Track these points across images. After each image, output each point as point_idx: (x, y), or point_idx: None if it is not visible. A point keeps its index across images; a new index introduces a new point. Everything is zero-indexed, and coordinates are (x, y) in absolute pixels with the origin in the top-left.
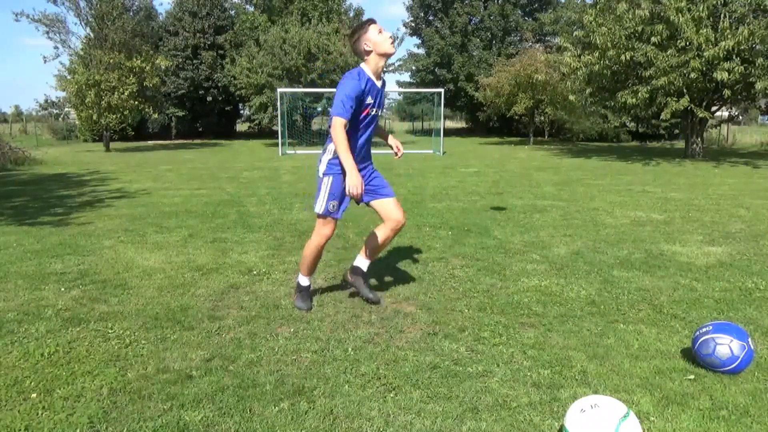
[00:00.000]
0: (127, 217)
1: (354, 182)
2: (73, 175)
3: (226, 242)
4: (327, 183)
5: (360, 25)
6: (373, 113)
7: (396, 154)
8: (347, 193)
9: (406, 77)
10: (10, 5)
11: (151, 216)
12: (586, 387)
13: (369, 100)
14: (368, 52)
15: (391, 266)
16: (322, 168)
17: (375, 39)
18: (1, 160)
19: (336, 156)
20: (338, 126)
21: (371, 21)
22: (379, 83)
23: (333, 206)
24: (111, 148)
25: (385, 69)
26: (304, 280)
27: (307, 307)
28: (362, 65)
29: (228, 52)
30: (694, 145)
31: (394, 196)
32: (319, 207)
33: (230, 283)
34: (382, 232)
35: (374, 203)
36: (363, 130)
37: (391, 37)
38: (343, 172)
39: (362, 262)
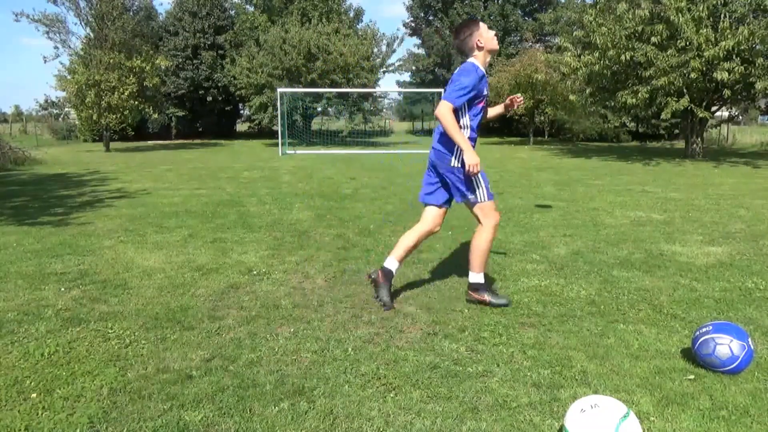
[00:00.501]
0: (127, 217)
1: (475, 160)
2: (73, 175)
3: (226, 242)
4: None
5: (470, 22)
6: (486, 104)
7: (515, 103)
8: (467, 171)
9: (406, 77)
10: (10, 5)
11: (151, 216)
12: (586, 387)
13: (485, 91)
14: (480, 48)
15: None
16: (458, 161)
17: (487, 36)
18: (1, 160)
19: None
20: (448, 110)
21: (478, 18)
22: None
23: (491, 188)
24: (111, 148)
25: (385, 69)
26: (480, 278)
27: (506, 300)
28: (473, 60)
29: (228, 52)
30: (694, 145)
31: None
32: (483, 195)
33: (230, 283)
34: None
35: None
36: (479, 119)
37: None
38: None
39: (392, 263)
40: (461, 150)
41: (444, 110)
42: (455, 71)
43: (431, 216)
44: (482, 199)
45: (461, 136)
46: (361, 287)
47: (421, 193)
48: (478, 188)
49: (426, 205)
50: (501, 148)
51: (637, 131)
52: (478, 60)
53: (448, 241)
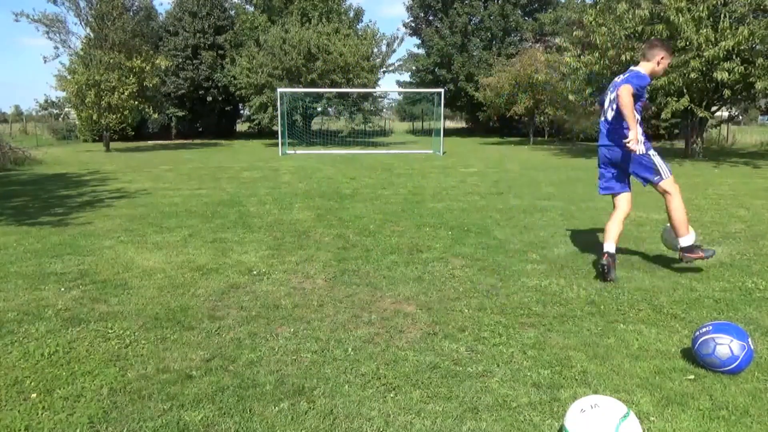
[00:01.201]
0: (127, 217)
1: (634, 136)
2: (73, 175)
3: (226, 242)
4: (654, 154)
5: (669, 44)
6: (641, 106)
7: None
8: (628, 145)
9: (406, 77)
10: (10, 5)
11: (151, 216)
12: (586, 387)
13: (645, 95)
14: (657, 63)
15: (391, 266)
16: (641, 147)
17: (664, 63)
18: (1, 160)
19: (645, 134)
20: (628, 92)
21: (672, 49)
22: None
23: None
24: (111, 148)
25: (385, 69)
26: (689, 239)
27: (710, 252)
28: (640, 68)
29: (228, 52)
30: (694, 145)
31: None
32: (666, 172)
33: (230, 283)
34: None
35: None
36: (639, 116)
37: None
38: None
39: (612, 247)
40: (631, 129)
41: (626, 90)
42: (626, 74)
43: (622, 202)
44: (666, 176)
45: (632, 116)
46: (361, 287)
47: (600, 186)
48: (660, 167)
49: (614, 195)
50: (501, 148)
51: None
52: (645, 69)
53: (448, 241)
